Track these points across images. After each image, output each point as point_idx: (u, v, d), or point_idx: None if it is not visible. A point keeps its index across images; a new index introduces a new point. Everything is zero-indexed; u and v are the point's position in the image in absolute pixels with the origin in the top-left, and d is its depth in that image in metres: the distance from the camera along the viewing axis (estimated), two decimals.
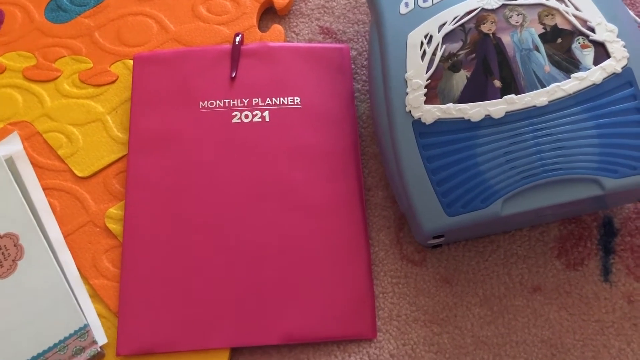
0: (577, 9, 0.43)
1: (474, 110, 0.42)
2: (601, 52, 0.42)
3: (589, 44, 0.42)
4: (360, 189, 0.49)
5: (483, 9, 0.44)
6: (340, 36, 0.56)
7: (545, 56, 0.42)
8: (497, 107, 0.41)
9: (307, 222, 0.47)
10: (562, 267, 0.46)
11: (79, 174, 0.50)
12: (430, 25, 0.45)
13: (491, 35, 0.43)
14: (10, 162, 0.50)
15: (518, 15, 0.44)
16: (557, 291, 0.46)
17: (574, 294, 0.46)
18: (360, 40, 0.55)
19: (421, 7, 0.46)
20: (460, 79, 0.43)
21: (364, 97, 0.53)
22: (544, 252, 0.47)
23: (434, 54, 0.44)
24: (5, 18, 0.56)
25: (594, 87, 0.41)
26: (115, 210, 0.49)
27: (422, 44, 0.44)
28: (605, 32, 0.42)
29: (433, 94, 0.43)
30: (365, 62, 0.54)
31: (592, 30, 0.43)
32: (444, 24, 0.44)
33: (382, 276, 0.47)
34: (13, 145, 0.51)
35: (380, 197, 0.50)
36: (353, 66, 0.54)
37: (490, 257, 0.47)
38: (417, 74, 0.44)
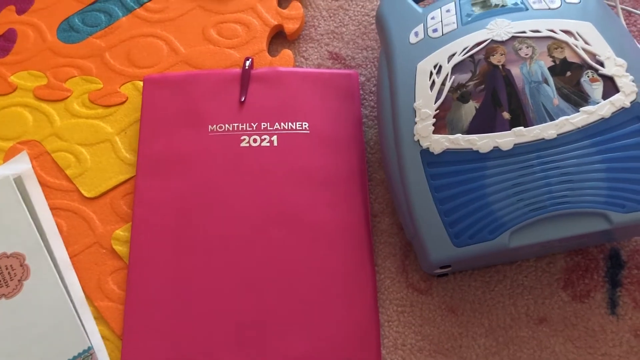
0: (586, 42, 0.44)
1: (483, 142, 0.42)
2: (610, 86, 0.42)
3: (598, 78, 0.43)
4: (367, 215, 0.49)
5: (493, 41, 0.44)
6: (349, 62, 0.56)
7: (554, 89, 0.43)
8: (505, 139, 0.42)
9: (313, 247, 0.47)
10: (568, 298, 0.46)
11: (87, 195, 0.51)
12: (439, 56, 0.45)
13: (500, 67, 0.44)
14: (18, 181, 0.50)
15: (527, 47, 0.44)
16: (563, 323, 0.46)
17: (580, 326, 0.45)
18: (369, 66, 0.56)
19: (431, 37, 0.46)
20: (469, 109, 0.43)
21: (372, 123, 0.53)
22: (550, 284, 0.47)
23: (443, 84, 0.44)
24: (18, 37, 0.57)
25: (603, 121, 0.41)
26: (121, 232, 0.49)
27: (431, 73, 0.45)
28: (615, 66, 0.43)
29: (442, 124, 0.43)
30: (373, 89, 0.55)
31: (601, 64, 0.43)
32: (453, 55, 0.45)
33: (387, 304, 0.47)
34: (22, 164, 0.51)
35: (387, 223, 0.50)
36: (361, 92, 0.55)
37: (496, 287, 0.47)
38: (425, 104, 0.44)
